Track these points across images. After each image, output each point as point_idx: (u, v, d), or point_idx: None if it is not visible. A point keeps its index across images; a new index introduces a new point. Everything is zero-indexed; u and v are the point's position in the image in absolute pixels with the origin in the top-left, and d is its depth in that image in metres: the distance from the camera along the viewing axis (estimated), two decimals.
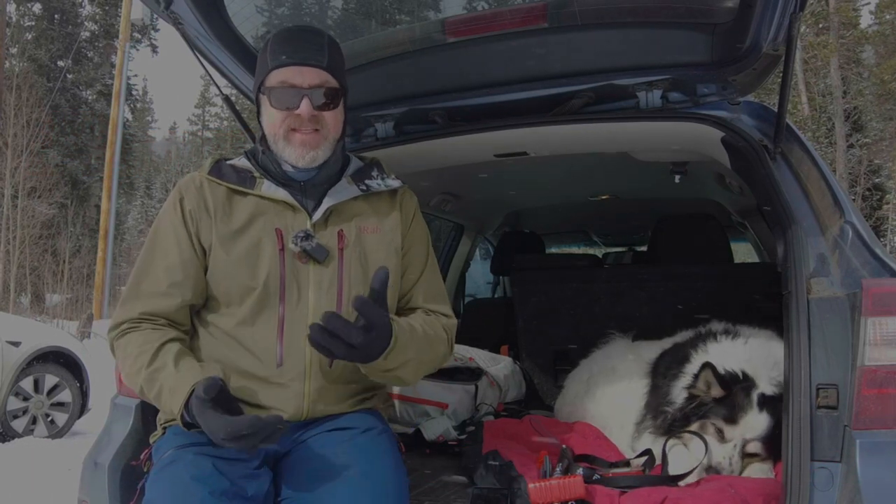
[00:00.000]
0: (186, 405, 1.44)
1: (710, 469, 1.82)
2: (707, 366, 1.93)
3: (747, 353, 2.00)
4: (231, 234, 1.63)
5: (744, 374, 1.92)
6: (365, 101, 2.30)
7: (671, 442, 1.97)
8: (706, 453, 1.85)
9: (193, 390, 1.43)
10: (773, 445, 1.84)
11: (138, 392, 1.57)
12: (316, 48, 1.63)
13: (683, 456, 1.91)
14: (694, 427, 1.93)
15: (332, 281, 1.63)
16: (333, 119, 1.66)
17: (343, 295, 1.63)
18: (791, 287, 1.60)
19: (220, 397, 1.40)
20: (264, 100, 1.65)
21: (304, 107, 1.59)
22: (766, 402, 1.86)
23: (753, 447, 1.86)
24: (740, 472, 1.85)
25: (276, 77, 1.61)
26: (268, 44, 1.66)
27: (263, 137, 1.69)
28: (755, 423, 1.85)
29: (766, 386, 1.89)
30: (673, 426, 1.99)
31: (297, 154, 1.63)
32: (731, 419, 1.88)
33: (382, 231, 1.71)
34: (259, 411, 1.59)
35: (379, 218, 1.73)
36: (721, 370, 1.92)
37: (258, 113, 1.71)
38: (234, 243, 1.62)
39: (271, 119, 1.64)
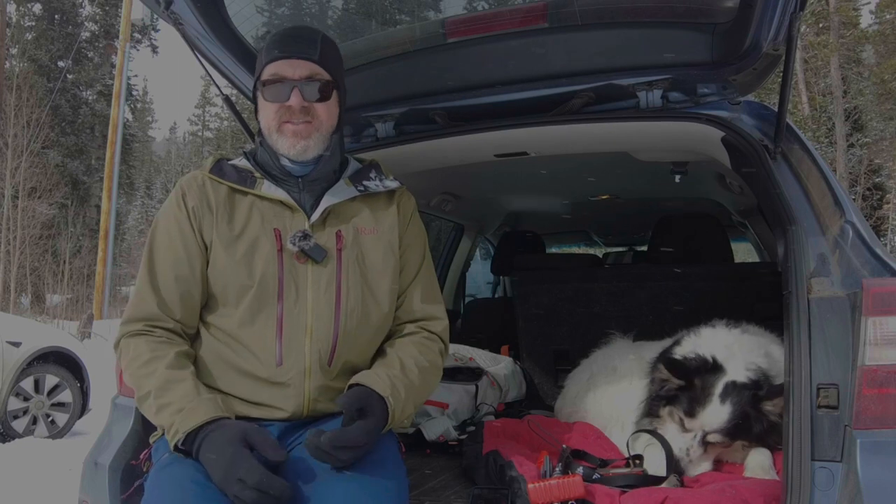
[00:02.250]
0: (193, 432, 1.43)
1: (674, 463, 1.83)
2: (659, 359, 1.94)
3: (732, 338, 1.97)
4: (231, 232, 1.64)
5: (714, 359, 1.89)
6: (365, 101, 2.30)
7: (643, 438, 1.98)
8: (668, 447, 1.86)
9: (210, 421, 1.44)
10: (740, 433, 1.83)
11: (139, 393, 1.56)
12: (307, 43, 1.66)
13: (657, 453, 1.92)
14: (665, 412, 1.94)
15: (331, 281, 1.63)
16: (325, 111, 1.67)
17: (341, 295, 1.63)
18: (791, 287, 1.60)
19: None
20: (259, 95, 1.69)
21: (294, 98, 1.62)
22: (733, 392, 1.83)
23: (714, 437, 1.85)
24: (741, 461, 1.87)
25: (268, 71, 1.66)
26: (264, 44, 1.71)
27: (261, 132, 1.71)
28: (714, 416, 1.84)
29: (738, 372, 1.85)
30: (652, 407, 1.99)
31: (288, 144, 1.65)
32: (690, 411, 1.88)
33: (380, 232, 1.72)
34: (260, 410, 1.60)
35: (377, 219, 1.73)
36: (690, 356, 1.90)
37: (256, 110, 1.73)
38: (234, 242, 1.63)
39: (266, 112, 1.67)
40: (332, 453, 1.43)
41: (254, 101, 1.75)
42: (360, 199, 1.73)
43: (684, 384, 1.90)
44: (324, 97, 1.66)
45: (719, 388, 1.85)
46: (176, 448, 1.46)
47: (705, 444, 1.87)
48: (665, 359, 1.93)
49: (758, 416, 1.83)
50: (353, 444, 1.44)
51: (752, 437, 1.85)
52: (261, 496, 1.35)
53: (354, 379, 1.59)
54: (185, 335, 1.65)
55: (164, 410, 1.49)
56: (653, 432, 1.96)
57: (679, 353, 2.02)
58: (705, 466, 1.88)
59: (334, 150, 1.73)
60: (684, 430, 1.89)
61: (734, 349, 1.92)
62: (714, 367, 1.89)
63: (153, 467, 1.55)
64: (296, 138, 1.64)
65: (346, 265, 1.65)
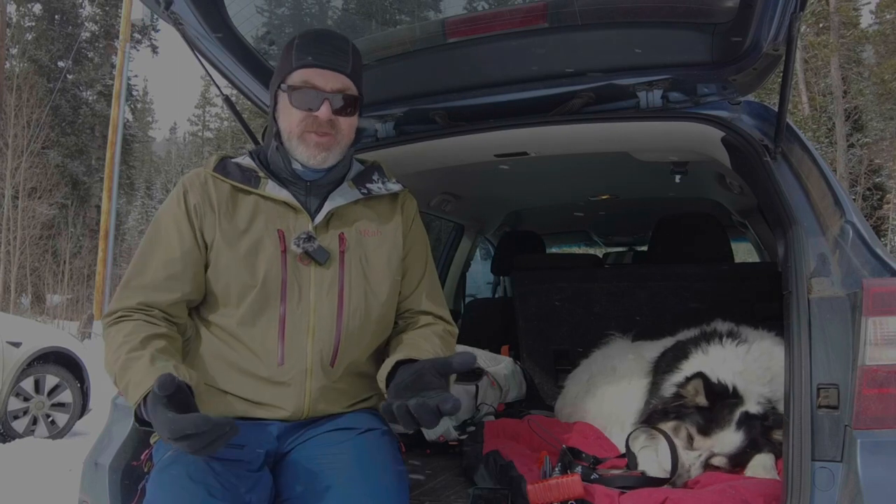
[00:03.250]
0: (144, 401, 1.40)
1: (672, 473, 1.82)
2: (699, 375, 1.93)
3: (745, 363, 1.99)
4: (233, 231, 1.63)
5: (734, 389, 1.91)
6: (365, 101, 2.29)
7: (640, 440, 1.98)
8: (670, 457, 1.85)
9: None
10: (742, 460, 1.85)
11: (112, 378, 1.54)
12: (341, 54, 1.65)
13: (650, 456, 1.92)
14: (669, 425, 1.94)
15: (333, 282, 1.63)
16: (348, 125, 1.67)
17: (344, 296, 1.63)
18: (792, 287, 1.60)
19: (178, 397, 1.35)
20: (284, 97, 1.65)
21: (324, 110, 1.61)
22: (746, 421, 1.86)
23: (718, 461, 1.87)
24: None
25: (299, 76, 1.62)
26: (293, 42, 1.67)
27: (278, 133, 1.68)
28: (727, 440, 1.86)
29: (752, 405, 1.88)
30: (652, 417, 1.99)
31: (308, 154, 1.63)
32: (705, 431, 1.88)
33: (383, 234, 1.72)
34: (260, 409, 1.60)
35: (380, 221, 1.73)
36: (714, 380, 1.92)
37: (273, 109, 1.70)
38: (236, 241, 1.63)
39: (289, 117, 1.64)
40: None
41: (272, 98, 1.71)
42: (362, 202, 1.72)
43: (707, 404, 1.91)
44: (350, 112, 1.66)
45: (737, 415, 1.87)
46: (139, 421, 1.44)
47: (709, 463, 1.87)
48: (705, 378, 1.93)
49: (765, 443, 1.85)
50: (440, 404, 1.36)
51: (752, 455, 1.86)
52: (186, 441, 1.30)
53: (403, 355, 1.54)
54: (168, 319, 1.62)
55: (127, 390, 1.46)
56: (660, 430, 1.96)
57: (689, 370, 2.02)
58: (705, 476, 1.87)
59: (346, 160, 1.73)
60: (690, 447, 1.89)
61: (746, 376, 1.94)
62: (734, 395, 1.91)
63: (154, 468, 1.54)
64: (318, 149, 1.63)
65: (349, 267, 1.65)
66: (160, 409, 1.34)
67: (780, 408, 1.85)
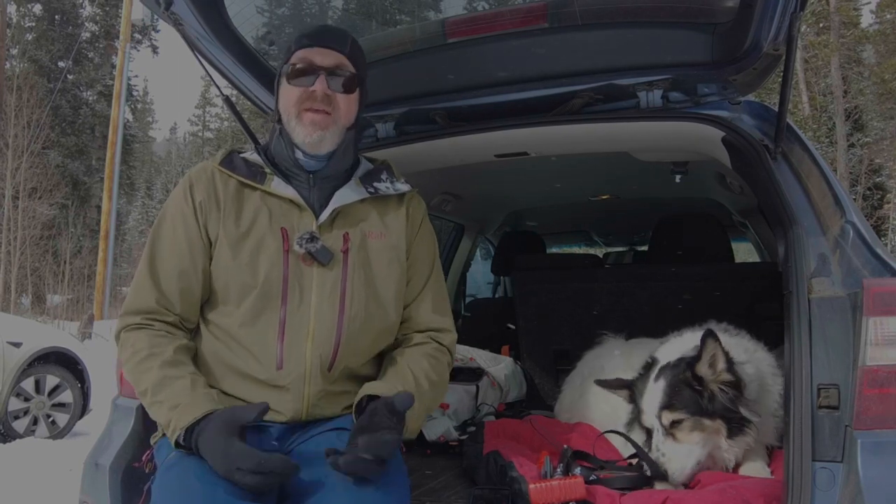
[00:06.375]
0: (190, 428, 1.43)
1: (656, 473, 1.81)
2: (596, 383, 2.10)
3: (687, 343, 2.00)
4: (237, 229, 1.63)
5: (652, 358, 1.98)
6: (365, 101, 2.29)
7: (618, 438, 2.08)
8: (641, 451, 1.89)
9: (206, 416, 1.42)
10: (687, 405, 1.80)
11: (138, 389, 1.56)
12: (339, 36, 1.70)
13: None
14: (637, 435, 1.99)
15: (335, 284, 1.62)
16: (346, 104, 1.67)
17: (346, 298, 1.62)
18: (792, 287, 1.61)
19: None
20: (283, 79, 1.68)
21: (319, 84, 1.62)
22: (664, 371, 1.89)
23: (667, 417, 1.83)
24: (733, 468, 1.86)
25: (297, 56, 1.66)
26: (294, 36, 1.72)
27: (279, 120, 1.69)
28: (651, 396, 1.88)
29: (668, 357, 1.93)
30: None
31: (305, 132, 1.63)
32: (640, 407, 1.93)
33: (388, 236, 1.71)
34: None
35: (385, 223, 1.72)
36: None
37: (277, 98, 1.72)
38: (239, 239, 1.62)
39: (288, 96, 1.66)
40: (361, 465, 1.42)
41: (276, 88, 1.73)
42: (369, 202, 1.71)
43: (629, 392, 2.02)
44: (348, 89, 1.66)
45: (654, 373, 1.92)
46: (177, 444, 1.46)
47: (670, 434, 1.83)
48: (597, 382, 2.11)
49: (696, 384, 1.82)
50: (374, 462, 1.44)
51: (706, 410, 1.80)
52: (263, 477, 1.35)
53: (370, 389, 1.58)
54: (184, 328, 1.65)
55: (160, 407, 1.49)
56: (623, 435, 2.03)
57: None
58: (692, 457, 1.80)
59: (347, 148, 1.71)
60: (649, 433, 1.91)
61: (672, 347, 2.02)
62: (652, 363, 1.98)
63: (159, 469, 1.54)
64: (314, 127, 1.63)
65: (352, 269, 1.64)
66: (232, 442, 1.38)
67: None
